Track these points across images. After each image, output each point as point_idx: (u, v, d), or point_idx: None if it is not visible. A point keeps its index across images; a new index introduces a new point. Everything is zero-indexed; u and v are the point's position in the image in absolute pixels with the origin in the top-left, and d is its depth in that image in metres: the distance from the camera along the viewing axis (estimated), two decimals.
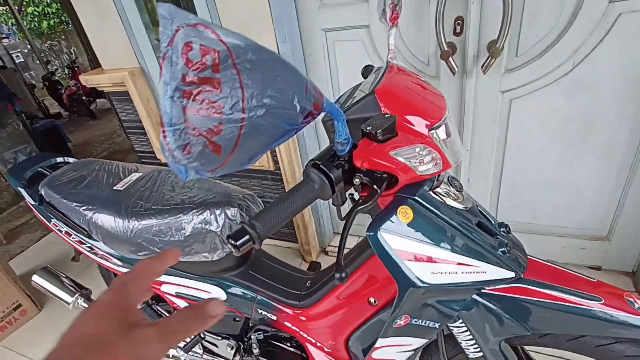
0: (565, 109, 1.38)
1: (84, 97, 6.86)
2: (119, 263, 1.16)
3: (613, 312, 0.68)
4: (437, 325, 0.79)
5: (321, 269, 1.24)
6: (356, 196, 0.72)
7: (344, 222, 0.63)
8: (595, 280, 0.75)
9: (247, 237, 0.52)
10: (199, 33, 0.38)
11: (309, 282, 1.17)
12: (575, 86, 1.33)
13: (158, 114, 1.99)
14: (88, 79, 1.97)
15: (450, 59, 1.34)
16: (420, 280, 0.70)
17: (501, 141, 1.53)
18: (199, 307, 0.37)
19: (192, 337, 1.26)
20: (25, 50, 10.73)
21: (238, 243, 0.52)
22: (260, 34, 1.52)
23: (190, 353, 1.26)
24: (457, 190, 0.77)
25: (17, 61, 10.27)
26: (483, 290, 0.76)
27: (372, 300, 0.93)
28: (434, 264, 0.69)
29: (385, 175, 0.63)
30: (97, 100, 7.26)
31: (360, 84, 0.83)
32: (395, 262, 0.70)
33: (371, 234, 0.70)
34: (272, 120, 0.43)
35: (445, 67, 1.39)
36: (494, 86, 1.42)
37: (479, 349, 0.83)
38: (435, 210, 0.71)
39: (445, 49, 1.32)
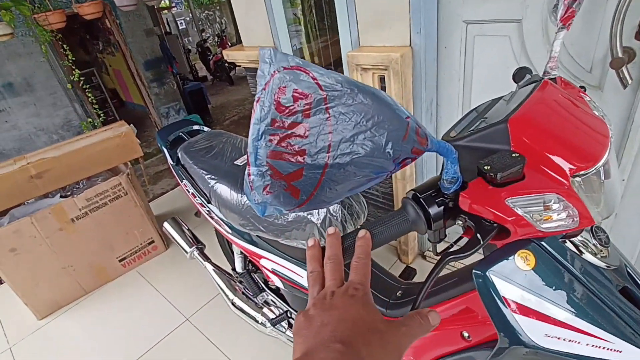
0: None
1: (226, 64, 7.64)
2: (229, 231, 1.27)
3: None
4: None
5: (415, 280, 1.18)
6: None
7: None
8: None
9: None
10: (296, 76, 0.36)
11: (400, 291, 1.12)
12: None
13: None
14: (229, 54, 2.17)
15: (624, 68, 1.08)
16: (530, 339, 0.60)
17: None
18: (424, 315, 0.42)
19: (281, 312, 1.34)
20: (187, 19, 12.35)
21: None
22: (394, 23, 1.45)
23: (276, 326, 1.35)
24: (600, 244, 0.63)
25: (180, 28, 11.93)
26: None
27: (465, 334, 0.84)
28: (551, 326, 0.59)
29: (495, 225, 0.53)
30: (237, 67, 8.03)
31: (499, 99, 0.72)
32: (502, 310, 0.61)
33: (479, 273, 0.62)
34: (357, 168, 0.40)
35: (613, 78, 1.13)
36: None
37: None
38: (565, 263, 0.59)
39: (620, 55, 1.07)
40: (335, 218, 1.01)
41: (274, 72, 0.37)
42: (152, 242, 2.37)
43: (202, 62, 8.70)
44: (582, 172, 0.53)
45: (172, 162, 1.42)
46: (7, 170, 1.89)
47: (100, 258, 2.19)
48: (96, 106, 3.98)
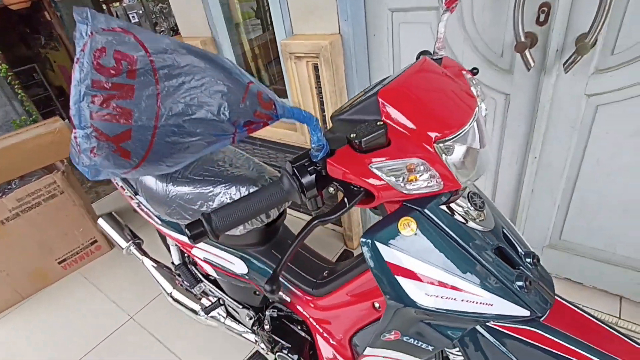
0: None
1: None
2: (159, 222, 1.26)
3: None
4: (430, 348, 0.72)
5: (342, 261, 1.22)
6: None
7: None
8: None
9: (201, 229, 0.51)
10: (118, 37, 0.37)
11: (326, 271, 1.15)
12: None
13: None
14: None
15: (527, 51, 1.16)
16: (411, 300, 0.64)
17: (578, 152, 1.32)
18: None
19: (214, 301, 1.34)
20: (140, 12, 11.83)
21: (191, 234, 0.51)
22: (323, 12, 1.47)
23: (214, 315, 1.34)
24: (476, 209, 0.68)
25: (132, 21, 11.43)
26: (488, 324, 0.68)
27: (376, 305, 0.88)
28: (430, 285, 0.63)
29: (362, 189, 0.57)
30: None
31: (387, 77, 0.75)
32: (386, 275, 0.65)
33: (366, 240, 0.65)
34: (191, 129, 0.40)
35: (521, 61, 1.21)
36: (577, 88, 1.21)
37: None
38: (444, 227, 0.64)
39: (522, 39, 1.15)
40: None
41: (91, 33, 0.37)
42: (95, 241, 2.28)
43: None
44: (446, 139, 0.57)
45: None
46: None
47: (37, 261, 2.09)
48: (27, 104, 3.77)
